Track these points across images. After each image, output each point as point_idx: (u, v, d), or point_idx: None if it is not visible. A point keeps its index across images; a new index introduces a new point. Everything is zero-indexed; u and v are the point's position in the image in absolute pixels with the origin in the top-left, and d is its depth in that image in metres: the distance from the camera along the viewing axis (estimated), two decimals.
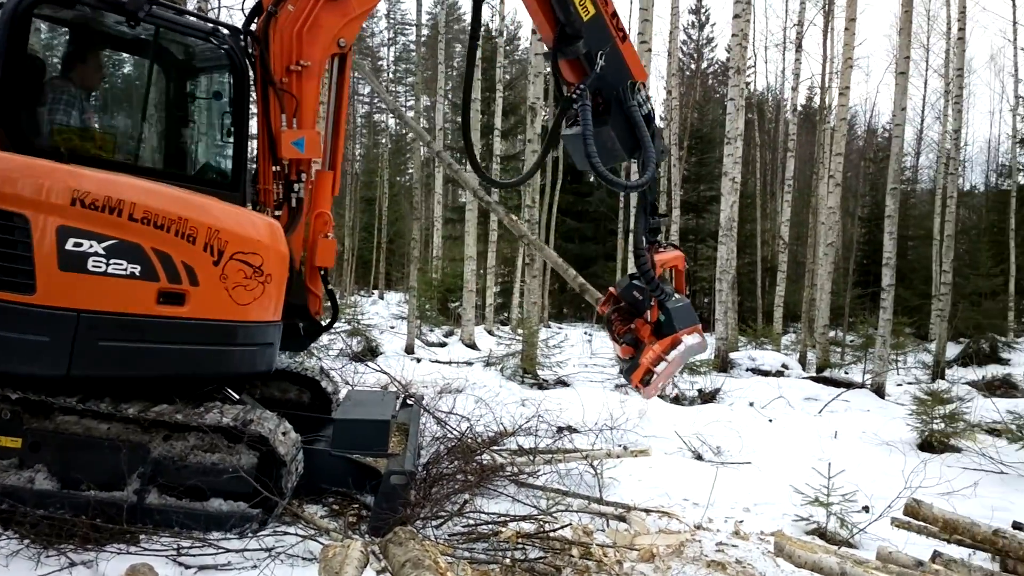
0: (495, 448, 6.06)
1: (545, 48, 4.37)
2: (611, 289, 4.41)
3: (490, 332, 18.77)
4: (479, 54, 18.48)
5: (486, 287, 20.14)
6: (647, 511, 5.16)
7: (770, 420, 8.78)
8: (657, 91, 32.12)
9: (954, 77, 19.77)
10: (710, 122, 31.71)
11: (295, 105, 4.69)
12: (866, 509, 5.34)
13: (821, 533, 5.03)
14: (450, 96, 29.24)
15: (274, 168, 4.80)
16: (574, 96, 4.02)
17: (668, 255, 4.41)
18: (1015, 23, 23.79)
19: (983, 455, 7.57)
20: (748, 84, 26.35)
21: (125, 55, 5.19)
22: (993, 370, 17.37)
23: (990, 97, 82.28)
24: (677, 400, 10.54)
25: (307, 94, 4.76)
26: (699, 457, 6.88)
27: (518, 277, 22.30)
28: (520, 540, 4.23)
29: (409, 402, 6.47)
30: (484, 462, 5.54)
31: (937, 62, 28.35)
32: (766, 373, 13.90)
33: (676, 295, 4.44)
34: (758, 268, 28.49)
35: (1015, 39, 24.91)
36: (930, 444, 7.91)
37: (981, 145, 63.49)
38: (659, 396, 10.63)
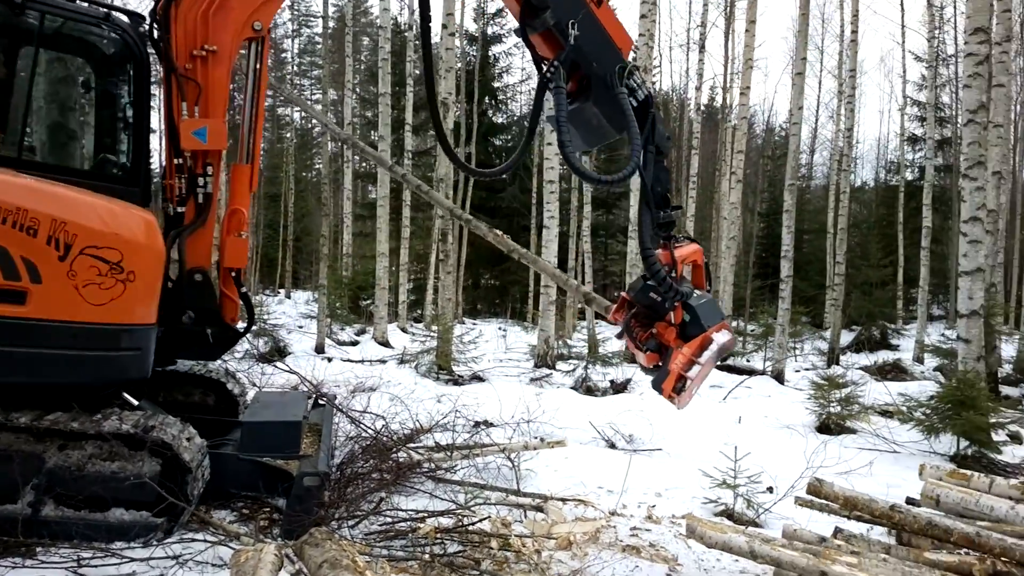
0: (411, 445, 6.02)
1: (516, 26, 3.75)
2: (623, 295, 3.90)
3: (404, 330, 18.59)
4: (417, 45, 18.32)
5: (399, 284, 19.92)
6: (564, 500, 5.23)
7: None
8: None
9: (847, 78, 20.84)
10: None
11: (198, 93, 4.46)
12: (770, 490, 5.57)
13: (729, 514, 5.22)
14: (358, 90, 28.77)
15: (176, 161, 4.54)
16: (548, 75, 3.46)
17: (686, 250, 3.95)
18: (903, 26, 25.28)
19: (877, 435, 8.04)
20: (654, 83, 27.00)
21: (8, 44, 4.87)
22: (884, 355, 18.48)
23: (880, 97, 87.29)
24: (590, 391, 10.72)
25: (214, 81, 4.52)
26: (613, 446, 7.03)
27: (431, 274, 22.17)
28: (439, 535, 4.21)
29: (321, 402, 6.34)
30: (400, 460, 5.48)
31: (831, 63, 29.71)
32: None
33: (697, 291, 3.97)
34: None
35: (903, 42, 26.47)
36: (828, 426, 8.33)
37: (871, 143, 67.19)
38: (573, 388, 10.81)
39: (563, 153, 3.24)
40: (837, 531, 4.48)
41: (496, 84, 32.07)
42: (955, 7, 25.33)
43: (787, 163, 15.84)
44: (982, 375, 8.74)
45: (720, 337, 3.63)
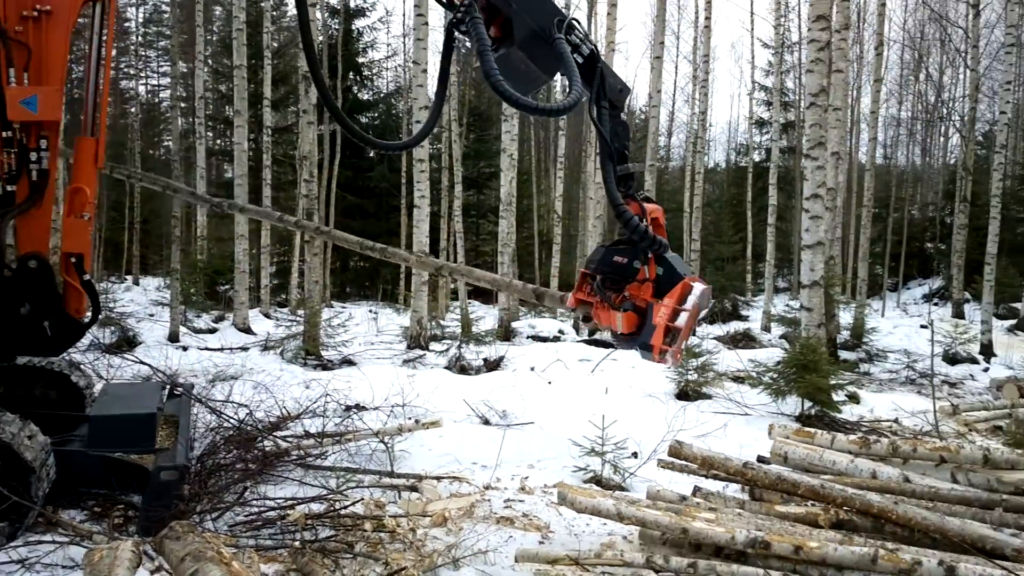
0: (278, 434, 5.83)
1: None
2: (582, 271, 3.61)
3: (267, 315, 17.92)
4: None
5: (260, 267, 19.14)
6: (438, 479, 5.25)
7: (549, 382, 9.26)
8: (434, 68, 32.26)
9: (701, 63, 21.88)
10: (487, 100, 32.45)
11: (27, 57, 4.08)
12: (635, 455, 5.82)
13: (597, 480, 5.41)
14: (210, 62, 27.23)
15: (5, 134, 4.13)
16: (459, 13, 3.06)
17: (650, 205, 3.69)
18: (752, 14, 26.79)
19: (730, 400, 8.56)
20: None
21: None
22: (735, 325, 19.69)
23: (731, 82, 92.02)
24: (464, 370, 10.77)
25: (49, 45, 4.15)
26: (487, 422, 7.10)
27: (296, 256, 21.46)
28: (309, 521, 4.12)
29: (177, 392, 5.99)
30: (267, 449, 5.30)
31: (686, 49, 31.07)
32: (545, 339, 14.67)
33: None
34: (535, 241, 29.82)
35: (752, 29, 28.07)
36: (686, 393, 8.77)
37: (723, 126, 70.69)
38: (447, 368, 10.82)
39: (490, 82, 2.82)
40: (696, 490, 4.75)
41: (361, 60, 31.27)
42: None
43: (647, 145, 16.46)
44: (823, 341, 9.49)
45: (700, 285, 3.39)
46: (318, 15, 17.34)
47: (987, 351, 14.51)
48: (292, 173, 24.78)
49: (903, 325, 19.60)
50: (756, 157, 32.34)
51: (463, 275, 6.18)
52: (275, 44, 20.18)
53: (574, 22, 3.23)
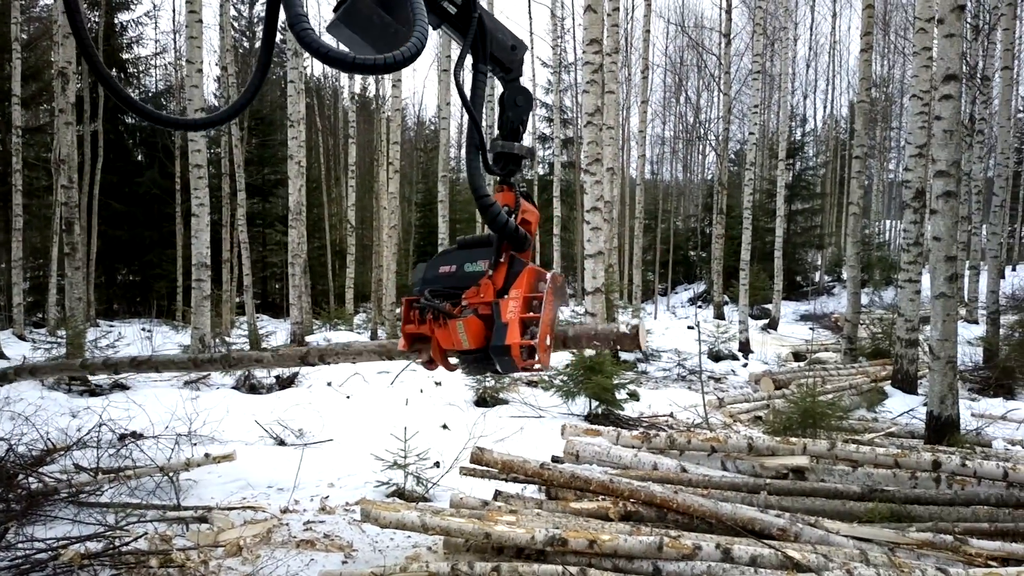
0: (45, 469, 5.22)
1: None
2: (405, 299, 2.71)
3: (22, 337, 15.91)
4: None
5: (12, 283, 16.97)
6: (229, 508, 4.98)
7: (348, 397, 9.11)
8: (210, 67, 30.49)
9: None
10: (269, 104, 31.18)
11: None
12: (437, 464, 5.90)
13: (400, 493, 5.42)
14: None
15: None
16: None
17: (529, 206, 2.76)
18: (531, 34, 28.08)
19: (526, 403, 8.94)
20: (306, 68, 26.52)
21: None
22: None
23: None
24: (254, 389, 10.26)
25: None
26: (282, 443, 6.84)
27: (54, 270, 19.26)
28: (86, 561, 3.74)
29: None
30: (32, 487, 4.73)
31: (468, 63, 31.86)
32: None
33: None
34: (328, 251, 29.09)
35: (532, 48, 29.41)
36: (484, 400, 9.03)
37: None
38: (235, 388, 10.25)
39: (294, 32, 1.98)
40: (497, 494, 4.93)
41: (126, 56, 28.73)
42: (574, 19, 28.89)
43: (439, 156, 16.71)
44: None
45: (546, 272, 2.68)
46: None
47: (745, 348, 16.37)
48: (47, 178, 22.21)
49: (673, 327, 21.48)
50: (540, 171, 34.02)
51: (348, 355, 5.17)
52: (24, 36, 17.96)
53: None
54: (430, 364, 2.70)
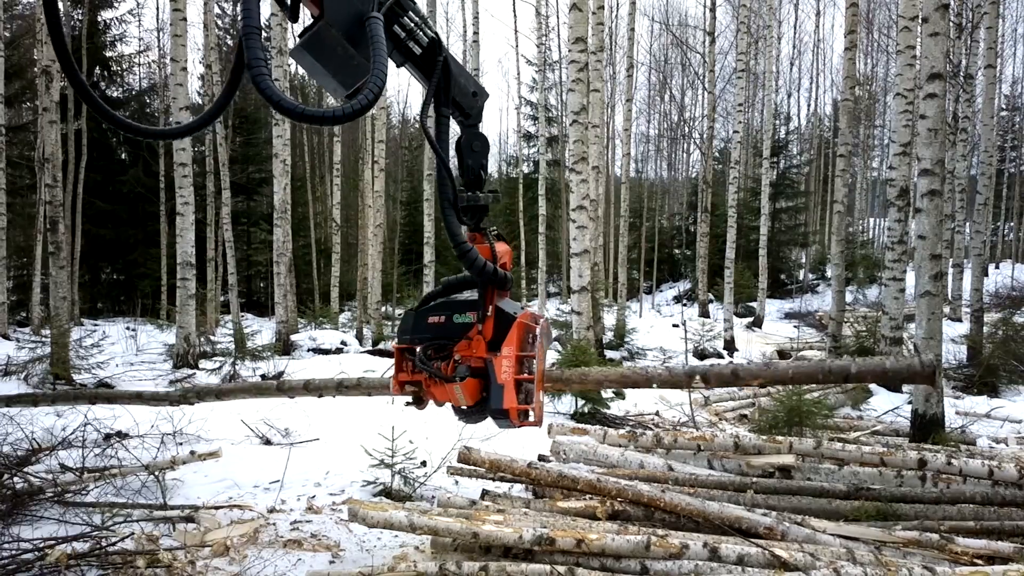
0: (30, 469, 5.17)
1: None
2: (395, 346, 2.81)
3: (5, 336, 15.75)
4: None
5: None
6: (216, 508, 4.94)
7: (334, 396, 9.06)
8: (194, 65, 30.24)
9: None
10: (254, 101, 30.96)
11: None
12: (424, 463, 5.88)
13: (388, 492, 5.39)
14: None
15: None
16: None
17: (502, 247, 2.88)
18: (516, 32, 28.11)
19: None
20: (290, 67, 26.33)
21: None
22: None
23: (499, 96, 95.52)
24: None
25: None
26: (268, 442, 6.80)
27: (38, 269, 19.06)
28: (73, 561, 3.70)
29: None
30: (17, 487, 4.69)
31: None
32: (327, 351, 14.30)
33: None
34: (313, 250, 28.97)
35: (517, 46, 29.40)
36: None
37: (494, 138, 73.07)
38: None
39: (250, 74, 1.89)
40: (484, 493, 4.92)
41: (109, 54, 28.47)
42: (559, 17, 28.89)
43: (424, 154, 16.66)
44: (592, 342, 10.21)
45: (531, 321, 2.77)
46: (59, 5, 15.54)
47: (730, 346, 16.45)
48: (31, 176, 21.99)
49: (658, 325, 21.57)
50: (525, 169, 34.00)
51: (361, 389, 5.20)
52: (7, 34, 17.74)
53: (406, 1, 2.50)
54: (420, 404, 2.78)
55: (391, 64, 2.37)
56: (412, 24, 2.46)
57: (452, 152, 2.67)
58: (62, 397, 6.30)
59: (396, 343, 2.79)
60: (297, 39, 2.36)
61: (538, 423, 2.72)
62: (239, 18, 2.11)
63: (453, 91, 2.64)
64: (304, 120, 1.96)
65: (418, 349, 2.69)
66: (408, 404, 2.85)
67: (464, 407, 2.69)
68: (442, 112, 2.61)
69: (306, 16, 2.46)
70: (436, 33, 2.54)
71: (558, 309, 23.08)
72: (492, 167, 44.19)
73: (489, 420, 2.70)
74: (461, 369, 2.63)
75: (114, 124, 2.24)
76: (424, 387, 2.71)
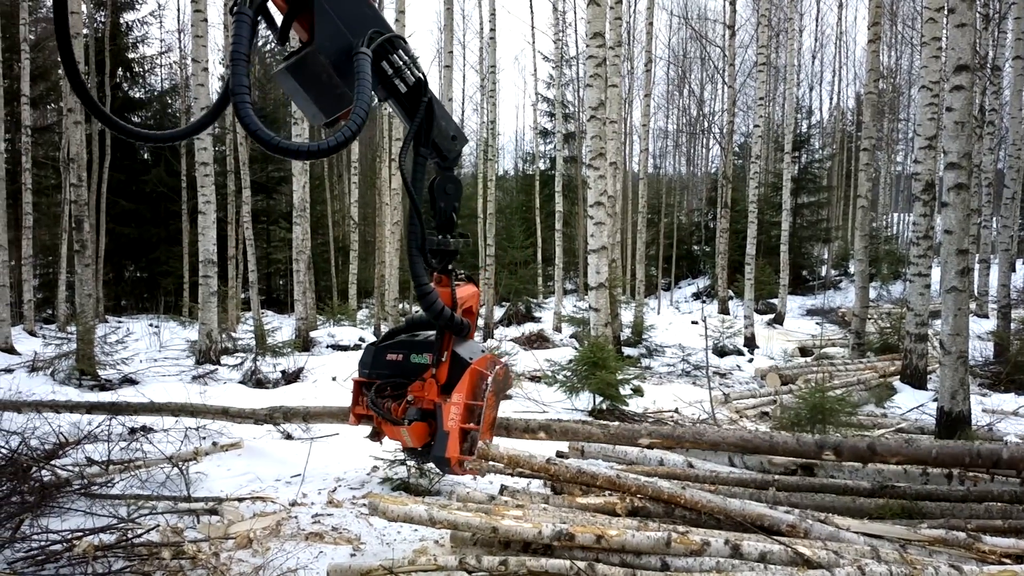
0: (57, 462, 5.25)
1: None
2: (355, 379, 2.93)
3: (32, 333, 16.03)
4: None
5: (22, 280, 17.08)
6: (239, 500, 4.98)
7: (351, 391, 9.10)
8: (215, 66, 30.46)
9: (487, 73, 22.50)
10: (273, 101, 31.15)
11: None
12: None
13: (406, 487, 5.41)
14: None
15: None
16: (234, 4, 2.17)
17: (467, 290, 2.92)
18: (533, 28, 28.06)
19: (529, 399, 8.92)
20: None
21: None
22: (529, 327, 20.53)
23: (516, 92, 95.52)
24: (261, 384, 10.29)
25: None
26: (289, 437, 6.84)
27: (64, 267, 19.33)
28: (100, 552, 3.75)
29: None
30: (45, 479, 4.77)
31: (473, 59, 31.87)
32: (345, 348, 14.38)
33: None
34: (331, 247, 29.09)
35: (533, 42, 29.37)
36: None
37: (510, 135, 73.23)
38: (242, 383, 10.27)
39: (233, 101, 2.04)
40: (503, 488, 4.91)
41: (131, 55, 28.76)
42: (576, 13, 28.78)
43: None
44: (609, 339, 10.18)
45: (487, 368, 2.76)
46: (83, 7, 15.74)
47: (750, 343, 16.32)
48: (56, 176, 22.31)
49: (677, 322, 21.46)
50: (542, 165, 33.93)
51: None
52: (32, 37, 18.00)
53: (398, 40, 2.51)
54: (376, 437, 2.94)
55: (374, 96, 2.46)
56: (401, 63, 2.52)
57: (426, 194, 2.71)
58: (146, 408, 6.53)
59: (356, 375, 2.86)
60: (283, 61, 2.44)
61: (479, 474, 2.85)
62: (229, 43, 2.17)
63: (434, 133, 2.66)
64: (278, 153, 2.03)
65: (373, 387, 2.78)
66: (366, 437, 3.01)
67: (410, 448, 2.78)
68: (420, 152, 2.65)
69: (295, 40, 2.50)
70: (424, 74, 2.62)
71: (575, 306, 23.00)
72: (508, 164, 44.17)
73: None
74: (411, 412, 2.68)
75: (121, 129, 2.31)
76: (376, 423, 2.83)
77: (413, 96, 2.59)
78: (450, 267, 2.81)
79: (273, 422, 6.35)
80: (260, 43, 33.20)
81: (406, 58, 2.54)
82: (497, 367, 2.77)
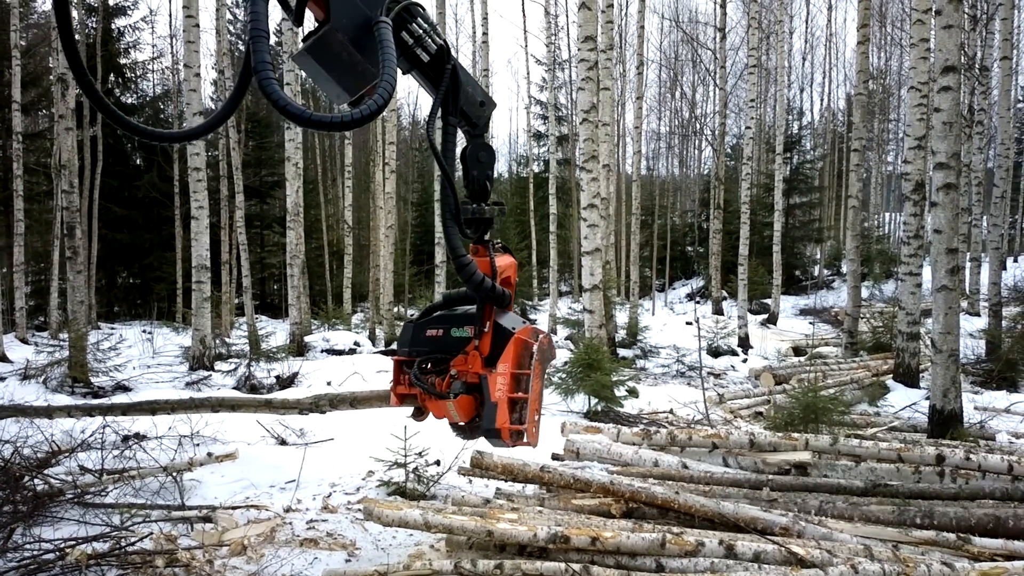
0: (50, 471, 5.23)
1: None
2: (394, 358, 2.81)
3: (24, 340, 15.96)
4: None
5: (14, 288, 17.02)
6: (233, 507, 4.98)
7: None
8: (207, 71, 30.43)
9: (480, 77, 22.49)
10: (266, 106, 31.07)
11: None
12: (437, 463, 5.90)
13: (402, 491, 5.41)
14: None
15: None
16: None
17: (504, 261, 2.84)
18: (525, 32, 28.07)
19: None
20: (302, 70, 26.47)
21: None
22: None
23: (509, 96, 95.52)
24: (255, 389, 10.27)
25: None
26: (283, 442, 6.83)
27: (56, 274, 19.27)
28: (93, 561, 3.74)
29: None
30: (38, 488, 4.75)
31: (466, 63, 31.82)
32: (340, 352, 14.36)
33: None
34: (325, 252, 29.07)
35: (526, 46, 29.37)
36: None
37: (504, 138, 73.18)
38: (236, 388, 10.25)
39: (257, 78, 1.92)
40: (498, 492, 4.93)
41: (123, 60, 28.70)
42: (568, 16, 28.84)
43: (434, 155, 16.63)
44: (604, 340, 10.19)
45: (531, 338, 2.67)
46: (74, 13, 15.70)
47: (744, 344, 16.35)
48: (48, 183, 22.24)
49: (671, 322, 21.49)
50: (536, 168, 33.95)
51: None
52: (23, 43, 17.93)
53: (415, 7, 2.41)
54: (420, 416, 2.84)
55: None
56: (420, 31, 2.43)
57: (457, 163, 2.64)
58: (193, 405, 6.51)
59: (396, 354, 2.76)
60: (301, 43, 2.36)
61: (533, 443, 2.69)
62: (247, 22, 2.13)
63: (461, 100, 2.60)
64: (310, 126, 1.95)
65: (415, 364, 2.68)
66: (409, 416, 2.95)
67: (459, 423, 2.70)
68: (449, 122, 2.58)
69: (311, 20, 2.48)
70: (445, 40, 2.51)
71: (570, 308, 23.02)
72: (502, 167, 44.02)
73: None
74: (456, 386, 2.60)
75: (132, 131, 2.29)
76: (420, 401, 2.73)
77: (436, 64, 2.52)
78: (486, 237, 2.74)
79: (319, 410, 6.29)
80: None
81: (425, 25, 2.46)
82: (541, 336, 2.70)
